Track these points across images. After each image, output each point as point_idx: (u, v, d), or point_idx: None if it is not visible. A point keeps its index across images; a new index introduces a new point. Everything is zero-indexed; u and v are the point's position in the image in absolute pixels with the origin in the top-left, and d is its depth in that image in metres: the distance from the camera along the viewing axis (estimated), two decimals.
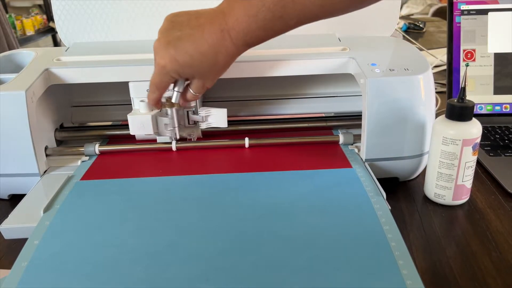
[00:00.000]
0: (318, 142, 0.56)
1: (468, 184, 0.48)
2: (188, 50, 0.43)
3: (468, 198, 0.49)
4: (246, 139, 0.56)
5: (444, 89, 0.81)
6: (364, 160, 0.51)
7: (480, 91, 0.70)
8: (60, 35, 0.64)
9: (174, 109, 0.53)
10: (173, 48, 0.43)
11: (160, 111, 0.53)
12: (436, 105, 0.79)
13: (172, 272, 0.35)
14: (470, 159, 0.46)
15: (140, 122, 0.53)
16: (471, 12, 0.69)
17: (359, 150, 0.54)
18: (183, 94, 0.48)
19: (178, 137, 0.55)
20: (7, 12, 2.73)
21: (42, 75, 0.51)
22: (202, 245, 0.38)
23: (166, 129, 0.54)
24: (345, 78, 0.59)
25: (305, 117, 0.62)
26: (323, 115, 0.64)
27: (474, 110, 0.48)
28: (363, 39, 0.61)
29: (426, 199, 0.50)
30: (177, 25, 0.45)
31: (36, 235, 0.39)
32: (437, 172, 0.47)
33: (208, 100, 0.64)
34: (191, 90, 0.48)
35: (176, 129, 0.54)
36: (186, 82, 0.48)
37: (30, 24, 2.92)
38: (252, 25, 0.42)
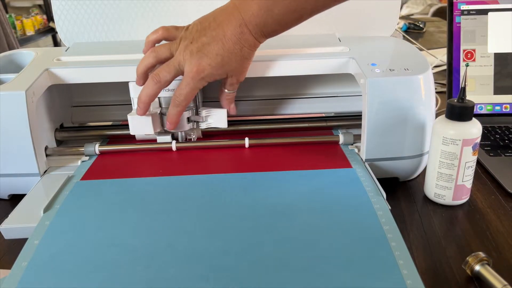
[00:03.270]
0: (318, 142, 0.56)
1: (468, 184, 0.48)
2: (218, 51, 0.45)
3: (468, 198, 0.49)
4: (246, 139, 0.56)
5: (444, 89, 0.81)
6: (364, 160, 0.51)
7: (480, 91, 0.70)
8: (60, 35, 0.64)
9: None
10: (203, 54, 0.46)
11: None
12: (436, 105, 0.79)
13: (172, 272, 0.35)
14: (470, 159, 0.46)
15: (140, 122, 0.53)
16: (471, 12, 0.69)
17: (359, 150, 0.54)
18: (220, 96, 0.52)
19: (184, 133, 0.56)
20: (7, 12, 2.73)
21: (42, 75, 0.51)
22: (202, 245, 0.38)
23: (187, 123, 0.55)
24: (345, 78, 0.59)
25: (305, 117, 0.62)
26: (323, 115, 0.64)
27: (474, 110, 0.48)
28: (363, 39, 0.61)
29: (426, 199, 0.50)
30: (199, 32, 0.47)
31: (36, 235, 0.39)
32: (437, 172, 0.47)
33: (208, 100, 0.64)
34: (226, 90, 0.51)
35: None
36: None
37: (30, 24, 2.92)
38: (268, 20, 0.44)
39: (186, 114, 0.54)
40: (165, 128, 0.55)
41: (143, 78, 0.50)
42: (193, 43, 0.46)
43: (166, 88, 0.53)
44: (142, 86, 0.50)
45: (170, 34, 0.51)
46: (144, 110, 0.50)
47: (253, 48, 0.47)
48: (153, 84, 0.48)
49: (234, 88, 0.51)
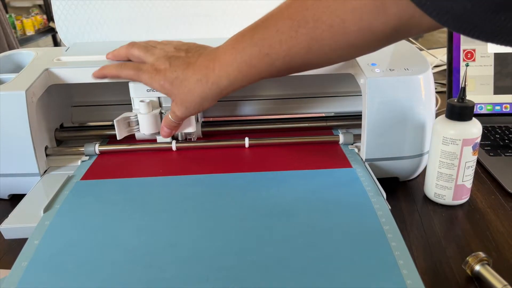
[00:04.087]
0: (318, 142, 0.56)
1: (468, 184, 0.48)
2: (177, 69, 0.46)
3: (468, 198, 0.49)
4: (246, 139, 0.56)
5: (444, 89, 0.81)
6: (364, 160, 0.51)
7: (480, 91, 0.70)
8: (60, 35, 0.64)
9: None
10: (168, 62, 0.47)
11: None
12: (436, 105, 0.79)
13: (172, 272, 0.35)
14: (470, 159, 0.46)
15: (140, 122, 0.53)
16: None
17: (359, 150, 0.54)
18: (164, 119, 0.52)
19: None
20: (7, 12, 2.73)
21: (42, 75, 0.51)
22: (202, 245, 0.38)
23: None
24: (345, 78, 0.59)
25: (305, 117, 0.62)
26: (323, 115, 0.64)
27: (474, 110, 0.48)
28: None
29: (426, 199, 0.50)
30: (186, 49, 0.48)
31: (36, 235, 0.39)
32: (437, 172, 0.47)
33: None
34: (169, 116, 0.50)
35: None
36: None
37: (30, 24, 2.92)
38: (237, 58, 0.42)
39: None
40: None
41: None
42: (173, 52, 0.48)
43: None
44: (142, 86, 0.51)
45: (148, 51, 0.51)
46: (98, 77, 0.51)
47: (212, 92, 0.45)
48: (116, 69, 0.50)
49: (178, 118, 0.50)
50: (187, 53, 0.48)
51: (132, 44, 0.51)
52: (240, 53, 0.42)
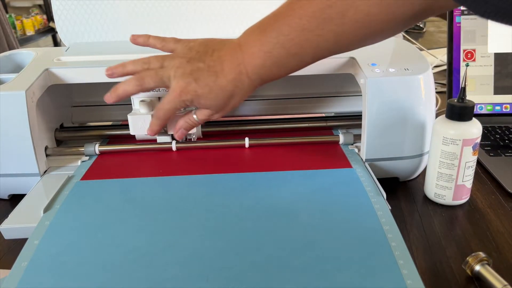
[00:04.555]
0: (318, 142, 0.56)
1: (468, 184, 0.48)
2: (208, 82, 0.44)
3: (468, 198, 0.49)
4: (246, 139, 0.56)
5: (444, 89, 0.81)
6: (364, 160, 0.51)
7: (480, 91, 0.70)
8: (60, 35, 0.64)
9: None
10: (193, 79, 0.44)
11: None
12: (436, 105, 0.79)
13: (172, 272, 0.35)
14: (470, 159, 0.46)
15: (140, 122, 0.53)
16: (471, 12, 0.69)
17: (359, 150, 0.54)
18: (185, 118, 0.49)
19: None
20: (7, 12, 2.73)
21: (42, 75, 0.51)
22: (202, 245, 0.38)
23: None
24: (345, 78, 0.59)
25: (305, 117, 0.62)
26: (323, 115, 0.64)
27: (474, 110, 0.48)
28: None
29: (426, 199, 0.50)
30: (199, 55, 0.45)
31: (36, 235, 0.39)
32: (437, 172, 0.47)
33: None
34: (195, 116, 0.48)
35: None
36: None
37: (30, 24, 2.92)
38: (267, 62, 0.43)
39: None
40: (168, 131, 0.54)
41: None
42: (188, 64, 0.45)
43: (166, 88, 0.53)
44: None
45: (165, 46, 0.49)
46: (115, 100, 0.48)
47: (245, 91, 0.45)
48: (134, 85, 0.46)
49: (203, 121, 0.49)
50: (203, 62, 0.45)
51: (136, 65, 0.48)
52: (269, 56, 0.42)
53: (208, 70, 0.44)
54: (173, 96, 0.45)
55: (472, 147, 0.45)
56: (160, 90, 0.53)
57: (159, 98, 0.54)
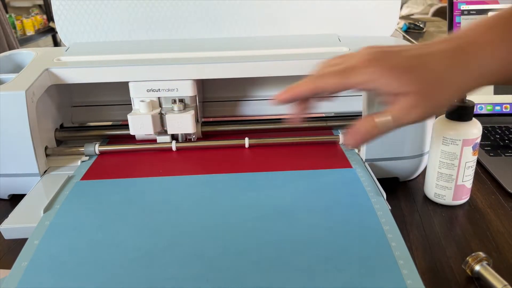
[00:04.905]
0: (318, 142, 0.56)
1: (468, 184, 0.48)
2: (414, 55, 0.34)
3: (468, 198, 0.49)
4: (246, 139, 0.56)
5: None
6: (364, 160, 0.51)
7: (480, 91, 0.69)
8: (60, 35, 0.64)
9: None
10: (390, 57, 0.34)
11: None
12: None
13: (172, 272, 0.35)
14: (470, 159, 0.46)
15: (140, 122, 0.53)
16: (471, 12, 0.69)
17: (359, 150, 0.54)
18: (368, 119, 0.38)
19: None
20: (7, 12, 2.73)
21: (42, 75, 0.51)
22: (202, 245, 0.38)
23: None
24: None
25: (305, 117, 0.62)
26: (323, 115, 0.64)
27: (474, 110, 0.48)
28: (363, 39, 0.61)
29: (426, 199, 0.50)
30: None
31: (36, 235, 0.39)
32: (437, 172, 0.47)
33: (209, 100, 0.64)
34: (387, 116, 0.36)
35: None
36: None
37: (30, 24, 2.92)
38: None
39: (190, 116, 0.53)
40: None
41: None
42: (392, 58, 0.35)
43: (166, 88, 0.53)
44: (142, 86, 0.50)
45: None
46: (289, 99, 0.40)
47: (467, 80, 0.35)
48: (311, 82, 0.38)
49: (403, 119, 0.36)
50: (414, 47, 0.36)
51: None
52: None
53: (420, 50, 0.35)
54: (360, 66, 0.35)
55: (472, 147, 0.45)
56: (161, 90, 0.54)
57: (159, 98, 0.55)
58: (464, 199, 0.48)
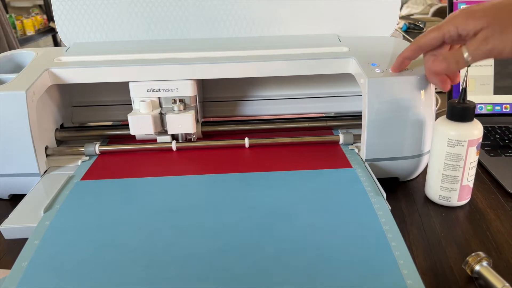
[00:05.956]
0: (318, 142, 0.56)
1: (471, 184, 0.48)
2: None
3: (470, 198, 0.49)
4: (246, 139, 0.56)
5: None
6: (364, 160, 0.51)
7: (480, 91, 0.70)
8: (60, 35, 0.64)
9: None
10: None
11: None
12: (436, 105, 0.79)
13: (172, 272, 0.35)
14: (474, 159, 0.46)
15: (140, 122, 0.53)
16: None
17: (359, 150, 0.54)
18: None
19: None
20: (7, 12, 2.73)
21: (42, 75, 0.51)
22: (202, 245, 0.38)
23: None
24: (345, 78, 0.59)
25: (305, 117, 0.62)
26: (323, 115, 0.64)
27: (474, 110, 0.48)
28: (363, 39, 0.61)
29: (426, 199, 0.50)
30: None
31: (36, 235, 0.39)
32: (442, 174, 0.47)
33: (209, 100, 0.64)
34: (465, 53, 0.42)
35: None
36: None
37: (30, 24, 2.92)
38: None
39: (190, 116, 0.53)
40: None
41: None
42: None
43: (166, 88, 0.53)
44: (142, 86, 0.50)
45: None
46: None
47: None
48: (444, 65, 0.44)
49: (478, 55, 0.42)
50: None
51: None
52: None
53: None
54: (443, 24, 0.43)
55: (476, 147, 0.45)
56: (161, 90, 0.54)
57: (159, 98, 0.55)
58: (467, 199, 0.48)
